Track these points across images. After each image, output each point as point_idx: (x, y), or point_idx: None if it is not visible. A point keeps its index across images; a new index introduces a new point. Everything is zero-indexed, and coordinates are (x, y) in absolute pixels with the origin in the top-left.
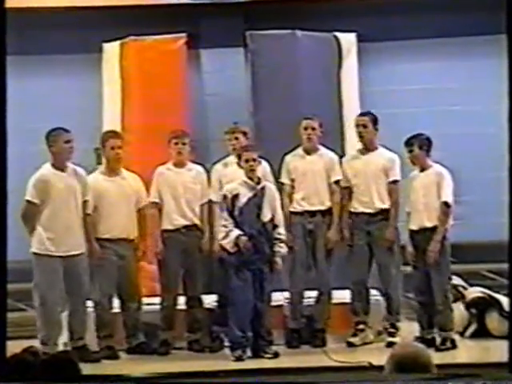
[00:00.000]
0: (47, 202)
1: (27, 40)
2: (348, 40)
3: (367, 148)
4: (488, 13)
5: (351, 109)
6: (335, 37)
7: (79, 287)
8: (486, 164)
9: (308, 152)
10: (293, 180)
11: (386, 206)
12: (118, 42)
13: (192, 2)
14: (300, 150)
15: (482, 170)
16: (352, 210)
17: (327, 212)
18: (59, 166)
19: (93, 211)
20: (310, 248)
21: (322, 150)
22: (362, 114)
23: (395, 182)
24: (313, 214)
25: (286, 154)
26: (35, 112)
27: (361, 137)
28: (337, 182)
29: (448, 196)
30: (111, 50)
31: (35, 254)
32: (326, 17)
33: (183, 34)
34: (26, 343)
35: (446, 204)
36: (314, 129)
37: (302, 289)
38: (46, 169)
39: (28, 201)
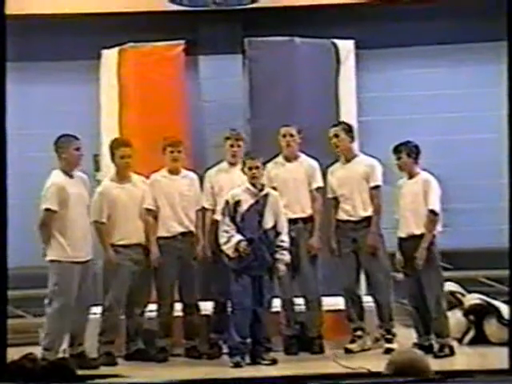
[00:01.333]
0: (65, 208)
1: (25, 47)
2: (346, 47)
3: (347, 157)
4: (488, 19)
5: (349, 115)
6: (333, 43)
7: (87, 293)
8: (485, 170)
9: (288, 159)
10: (274, 188)
11: (370, 213)
12: (116, 49)
13: (190, 9)
14: (280, 158)
15: (480, 176)
16: (338, 218)
17: (309, 219)
18: (69, 172)
19: (107, 219)
20: (294, 256)
21: (303, 157)
22: (332, 126)
23: (376, 187)
24: (295, 221)
25: (266, 162)
26: (33, 118)
27: (336, 146)
28: (318, 189)
29: (435, 204)
30: (110, 56)
31: (55, 261)
32: (325, 24)
33: (181, 41)
34: (23, 350)
35: (432, 212)
36: (292, 135)
37: (292, 296)
38: (58, 175)
39: (48, 209)
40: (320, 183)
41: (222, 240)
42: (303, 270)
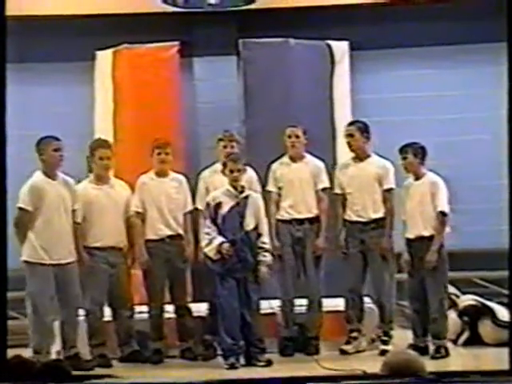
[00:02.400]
0: (40, 209)
1: (21, 48)
2: (341, 48)
3: (359, 156)
4: (488, 20)
5: (343, 117)
6: (328, 45)
7: (72, 296)
8: (482, 172)
9: (294, 160)
10: (280, 188)
11: (380, 215)
12: (110, 50)
13: (185, 10)
14: (286, 158)
15: (476, 177)
16: (346, 218)
17: (315, 220)
18: (49, 174)
19: (82, 220)
20: (299, 256)
21: (308, 157)
22: (348, 124)
23: (390, 190)
24: (301, 221)
25: (272, 162)
26: (30, 119)
27: (350, 146)
28: (324, 190)
29: (444, 205)
30: (104, 57)
31: (27, 262)
32: (319, 25)
33: (176, 42)
34: (19, 351)
35: (442, 213)
36: (297, 136)
37: (293, 297)
38: (38, 177)
39: (21, 208)
40: (326, 184)
41: (204, 242)
42: (308, 270)
